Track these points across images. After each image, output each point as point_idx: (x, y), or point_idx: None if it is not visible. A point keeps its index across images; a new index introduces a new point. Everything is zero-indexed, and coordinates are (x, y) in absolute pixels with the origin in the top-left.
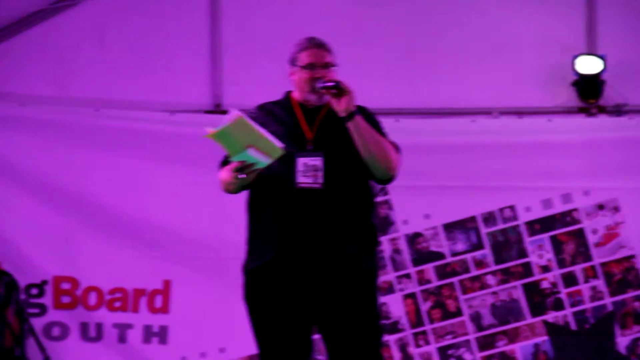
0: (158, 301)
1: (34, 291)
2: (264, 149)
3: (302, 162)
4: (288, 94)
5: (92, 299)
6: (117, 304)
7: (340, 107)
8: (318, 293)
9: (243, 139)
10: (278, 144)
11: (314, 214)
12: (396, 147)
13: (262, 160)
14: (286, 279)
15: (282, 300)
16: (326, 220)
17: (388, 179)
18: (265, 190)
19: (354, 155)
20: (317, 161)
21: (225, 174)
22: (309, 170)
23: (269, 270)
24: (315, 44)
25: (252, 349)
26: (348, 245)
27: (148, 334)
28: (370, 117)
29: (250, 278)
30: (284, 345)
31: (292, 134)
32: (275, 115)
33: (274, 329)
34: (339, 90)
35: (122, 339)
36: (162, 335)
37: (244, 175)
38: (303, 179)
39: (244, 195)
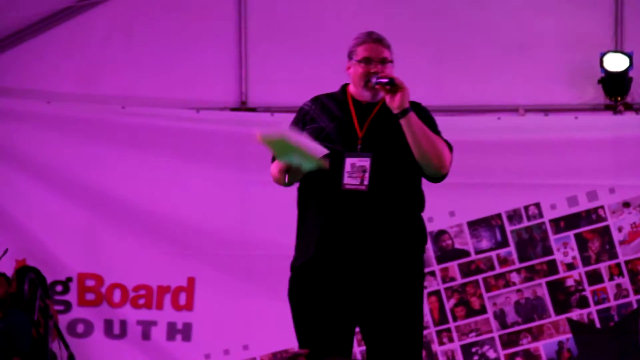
0: (182, 298)
1: (59, 288)
2: (305, 158)
3: (350, 162)
4: (344, 87)
5: (117, 296)
6: (141, 301)
7: (394, 104)
8: (360, 292)
9: (286, 148)
10: (319, 154)
11: (358, 216)
12: (449, 145)
13: (306, 165)
14: (328, 277)
15: (324, 297)
16: (369, 222)
17: (440, 177)
18: (313, 189)
19: (404, 155)
20: (365, 162)
21: (275, 169)
22: (356, 171)
23: (312, 267)
24: (374, 39)
25: (275, 346)
26: (391, 247)
27: (172, 331)
28: (424, 114)
29: (294, 275)
30: (324, 342)
31: (343, 131)
32: (328, 109)
33: (314, 325)
34: (393, 86)
35: (145, 335)
36: (185, 332)
37: (288, 176)
38: (349, 180)
39: (269, 194)
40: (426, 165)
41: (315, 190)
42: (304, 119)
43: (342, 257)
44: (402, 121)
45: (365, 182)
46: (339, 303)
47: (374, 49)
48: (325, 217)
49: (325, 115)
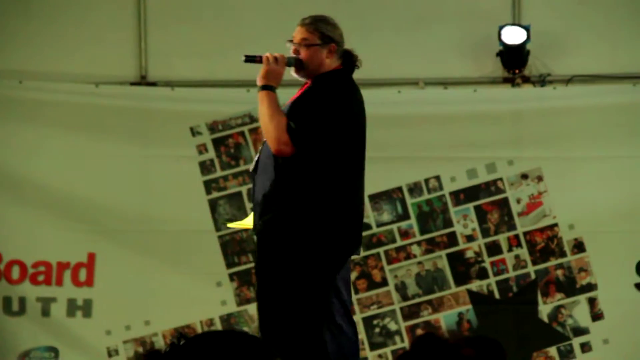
0: (82, 274)
1: None
2: None
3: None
4: None
5: (15, 272)
6: (41, 278)
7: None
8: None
9: None
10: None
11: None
12: (292, 131)
13: None
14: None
15: None
16: (254, 202)
17: (277, 153)
18: None
19: None
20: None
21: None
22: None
23: None
24: (300, 22)
25: (177, 321)
26: (260, 220)
27: (72, 307)
28: (308, 99)
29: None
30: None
31: None
32: None
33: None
34: (253, 62)
35: (45, 312)
36: (86, 308)
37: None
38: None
39: (169, 169)
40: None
41: None
42: None
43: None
44: (258, 95)
45: (256, 162)
46: None
47: (296, 31)
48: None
49: None
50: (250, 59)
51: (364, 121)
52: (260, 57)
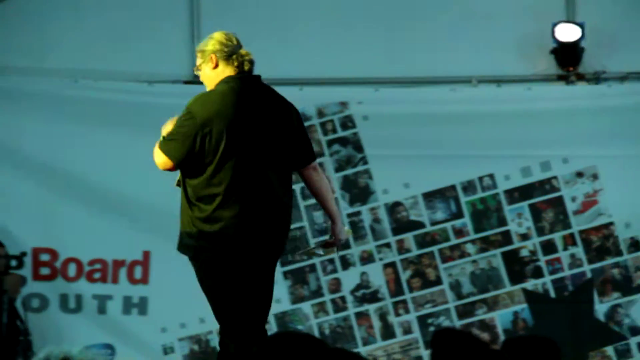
0: (138, 272)
1: (13, 263)
2: None
3: None
4: None
5: (72, 270)
6: (97, 275)
7: None
8: None
9: None
10: None
11: None
12: (161, 144)
13: None
14: None
15: None
16: None
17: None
18: None
19: None
20: None
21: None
22: None
23: None
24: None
25: None
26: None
27: (128, 305)
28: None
29: None
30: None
31: None
32: None
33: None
34: None
35: (101, 310)
36: (141, 306)
37: None
38: None
39: None
40: None
41: None
42: None
43: None
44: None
45: None
46: None
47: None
48: None
49: None
50: None
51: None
52: None
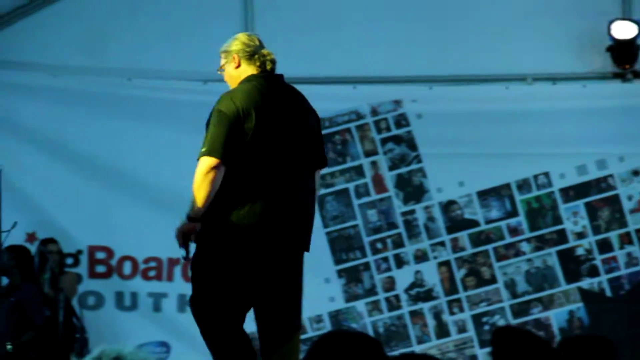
0: None
1: (69, 261)
2: None
3: None
4: None
5: (127, 268)
6: (152, 273)
7: None
8: None
9: None
10: None
11: None
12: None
13: None
14: None
15: None
16: None
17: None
18: None
19: None
20: None
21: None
22: None
23: None
24: None
25: None
26: None
27: (183, 302)
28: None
29: None
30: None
31: None
32: None
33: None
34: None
35: (156, 307)
36: None
37: None
38: None
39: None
40: None
41: None
42: None
43: None
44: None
45: None
46: None
47: None
48: None
49: None
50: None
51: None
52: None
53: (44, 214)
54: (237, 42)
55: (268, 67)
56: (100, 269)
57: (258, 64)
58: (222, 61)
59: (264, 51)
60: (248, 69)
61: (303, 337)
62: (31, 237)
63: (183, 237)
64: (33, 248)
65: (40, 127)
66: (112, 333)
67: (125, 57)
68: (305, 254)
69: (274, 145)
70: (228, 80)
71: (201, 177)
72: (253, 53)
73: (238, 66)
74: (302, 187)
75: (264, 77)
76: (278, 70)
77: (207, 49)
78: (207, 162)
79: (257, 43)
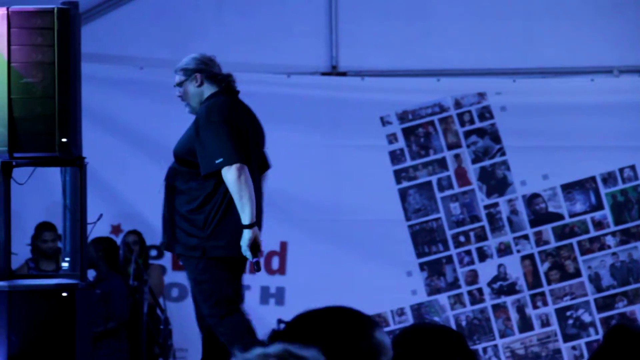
0: (275, 263)
1: (153, 252)
2: None
3: None
4: None
5: None
6: None
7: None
8: None
9: None
10: None
11: None
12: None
13: None
14: None
15: None
16: None
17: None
18: None
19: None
20: None
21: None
22: None
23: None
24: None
25: (367, 309)
26: None
27: (265, 295)
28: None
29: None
30: None
31: None
32: None
33: None
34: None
35: None
36: (279, 296)
37: None
38: None
39: (359, 158)
40: None
41: None
42: None
43: None
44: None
45: None
46: None
47: None
48: None
49: None
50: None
51: None
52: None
53: (129, 207)
54: (198, 62)
55: (233, 87)
56: None
57: (222, 83)
58: (180, 78)
59: (225, 73)
60: (211, 87)
61: (386, 329)
62: (116, 229)
63: (253, 248)
64: (118, 240)
65: (125, 119)
66: (195, 325)
67: (211, 51)
68: (388, 246)
69: (251, 151)
70: (186, 98)
71: (237, 185)
72: (215, 74)
73: (200, 85)
74: (261, 191)
75: (232, 94)
76: (367, 63)
77: (291, 42)
78: (233, 170)
79: (217, 63)
